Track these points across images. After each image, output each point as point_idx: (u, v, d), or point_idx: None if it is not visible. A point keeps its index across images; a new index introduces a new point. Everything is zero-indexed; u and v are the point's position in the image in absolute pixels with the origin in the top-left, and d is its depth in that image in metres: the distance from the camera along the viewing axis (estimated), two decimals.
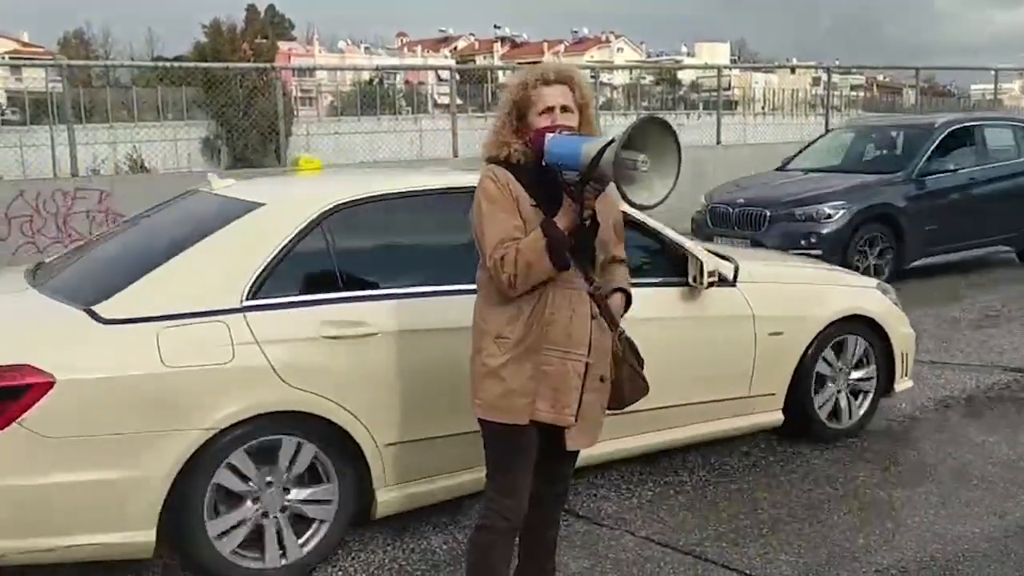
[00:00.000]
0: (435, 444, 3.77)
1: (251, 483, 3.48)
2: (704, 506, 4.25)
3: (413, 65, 65.61)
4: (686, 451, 4.87)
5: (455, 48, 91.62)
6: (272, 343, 3.44)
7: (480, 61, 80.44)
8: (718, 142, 14.20)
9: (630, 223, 3.98)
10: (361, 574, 3.68)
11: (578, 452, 2.99)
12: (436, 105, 40.67)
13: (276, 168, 11.94)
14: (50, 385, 3.13)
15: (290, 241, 3.63)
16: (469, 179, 3.54)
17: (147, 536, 3.33)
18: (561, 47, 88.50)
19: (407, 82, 44.98)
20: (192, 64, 19.43)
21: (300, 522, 3.60)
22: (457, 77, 14.57)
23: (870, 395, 5.08)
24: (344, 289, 3.70)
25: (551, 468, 3.00)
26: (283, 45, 64.07)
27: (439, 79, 43.05)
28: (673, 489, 4.43)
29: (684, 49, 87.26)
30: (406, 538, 3.96)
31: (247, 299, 3.49)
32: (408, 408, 3.69)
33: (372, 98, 37.55)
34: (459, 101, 17.44)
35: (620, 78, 44.36)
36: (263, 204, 3.82)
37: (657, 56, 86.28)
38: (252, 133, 16.75)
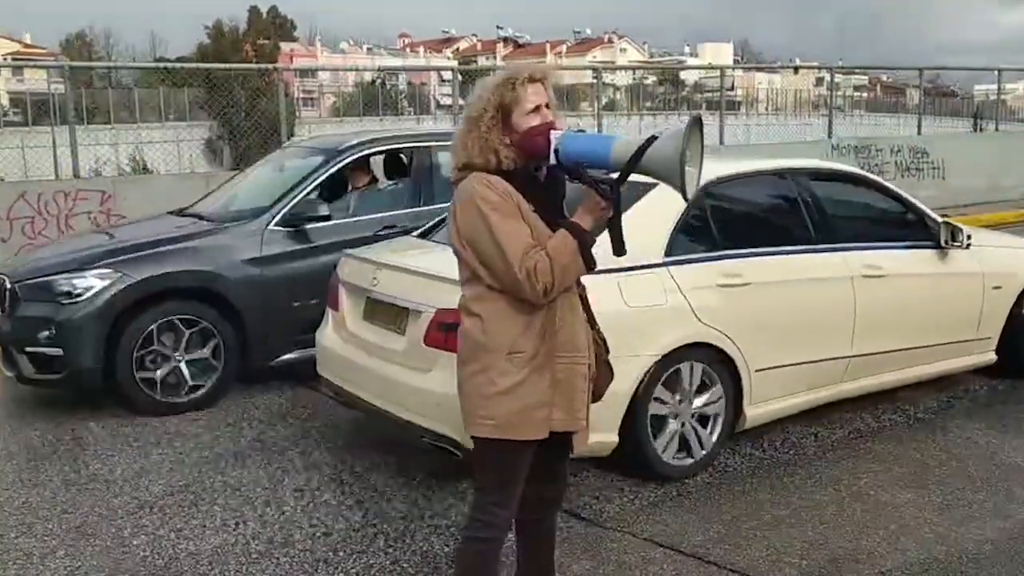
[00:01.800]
0: (788, 370, 4.79)
1: (670, 402, 4.46)
2: (707, 508, 4.24)
3: (415, 66, 65.68)
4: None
5: (457, 49, 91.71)
6: (688, 290, 4.45)
7: (483, 62, 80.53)
8: (721, 143, 14.17)
9: (894, 197, 5.58)
10: (363, 575, 3.68)
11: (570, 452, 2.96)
12: (439, 106, 40.70)
13: None
14: None
15: (686, 210, 4.53)
16: (810, 163, 5.72)
17: (613, 437, 4.29)
18: (564, 47, 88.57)
19: (410, 83, 45.00)
20: (194, 65, 19.51)
21: (702, 422, 4.58)
22: (460, 78, 14.56)
23: None
24: (724, 248, 4.75)
25: (551, 472, 2.97)
26: (285, 46, 64.15)
27: (441, 80, 43.08)
28: (676, 491, 4.42)
29: (687, 49, 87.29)
30: (408, 540, 3.96)
31: (665, 256, 4.49)
32: (770, 342, 4.68)
33: (374, 99, 37.58)
34: (461, 102, 17.43)
35: (623, 78, 44.34)
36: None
37: (660, 56, 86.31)
38: (254, 134, 16.73)
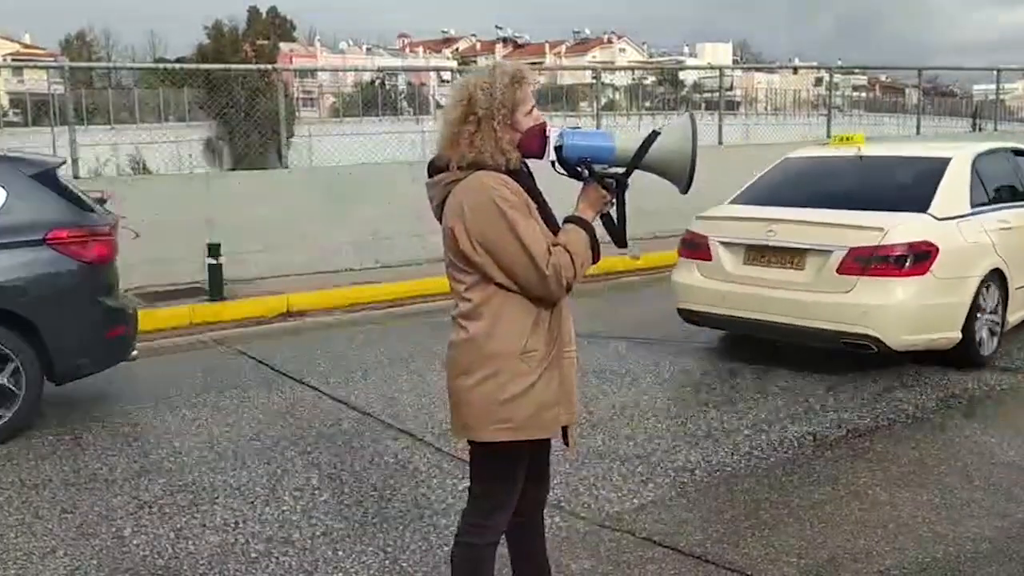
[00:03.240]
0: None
1: (982, 310, 6.46)
2: (705, 507, 4.24)
3: (415, 66, 65.70)
4: (687, 452, 4.88)
5: (457, 49, 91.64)
6: (988, 231, 6.50)
7: (482, 62, 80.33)
8: (719, 143, 14.19)
9: None
10: (362, 574, 3.68)
11: None
12: (438, 106, 40.69)
13: (278, 169, 11.94)
14: (938, 251, 6.04)
15: (970, 175, 6.74)
16: (1009, 144, 7.95)
17: (958, 335, 6.22)
18: (563, 48, 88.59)
19: (409, 83, 45.00)
20: (193, 66, 19.46)
21: (990, 328, 6.57)
22: (459, 77, 14.55)
23: None
24: (992, 202, 6.83)
25: (540, 471, 2.95)
26: (284, 46, 64.09)
27: (441, 80, 43.08)
28: (675, 490, 4.43)
29: (686, 49, 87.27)
30: (406, 539, 3.97)
31: (970, 208, 6.54)
32: (1019, 268, 6.74)
33: (374, 99, 37.61)
34: None
35: (622, 79, 44.35)
36: (951, 157, 6.84)
37: (659, 56, 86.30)
38: (254, 134, 16.72)
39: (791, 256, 6.33)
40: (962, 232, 6.30)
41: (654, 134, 2.66)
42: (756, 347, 6.91)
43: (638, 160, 2.66)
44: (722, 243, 6.75)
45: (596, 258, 2.72)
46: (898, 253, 5.99)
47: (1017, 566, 3.64)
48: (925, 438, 5.08)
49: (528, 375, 2.64)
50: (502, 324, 2.64)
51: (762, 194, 7.12)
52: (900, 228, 6.08)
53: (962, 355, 6.29)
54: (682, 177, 2.68)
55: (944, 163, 6.71)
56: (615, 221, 2.79)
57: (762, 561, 3.71)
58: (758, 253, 6.52)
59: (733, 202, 7.22)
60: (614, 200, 2.74)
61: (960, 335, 6.18)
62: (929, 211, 6.26)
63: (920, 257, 5.99)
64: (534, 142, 2.69)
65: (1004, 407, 5.64)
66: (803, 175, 7.39)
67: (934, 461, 4.75)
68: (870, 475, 4.57)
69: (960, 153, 6.98)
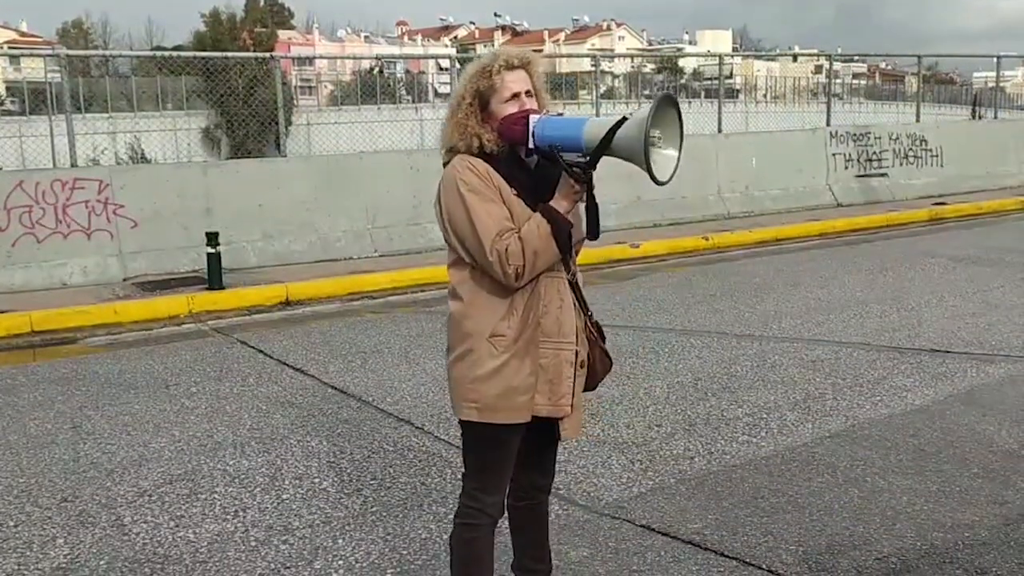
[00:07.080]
0: None
1: None
2: (704, 494, 4.25)
3: (413, 54, 65.53)
4: (686, 439, 4.88)
5: (455, 36, 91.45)
6: None
7: (480, 50, 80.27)
8: (719, 130, 14.16)
9: None
10: (363, 563, 3.69)
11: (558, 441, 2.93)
12: (436, 94, 40.65)
13: (276, 158, 11.92)
14: None
15: None
16: None
17: None
18: (562, 35, 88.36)
19: (407, 71, 44.90)
20: (191, 54, 19.33)
21: None
22: (457, 66, 14.48)
23: None
24: None
25: (541, 459, 2.96)
26: (283, 34, 63.94)
27: (439, 68, 42.98)
28: (673, 478, 4.43)
29: (686, 37, 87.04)
30: (406, 528, 3.97)
31: None
32: None
33: (372, 87, 37.57)
34: None
35: (621, 66, 44.22)
36: None
37: (659, 44, 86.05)
38: (252, 123, 16.71)
39: None
40: None
41: (622, 120, 2.52)
42: (754, 335, 6.89)
43: (603, 149, 2.53)
44: None
45: (563, 249, 2.65)
46: None
47: (1015, 553, 3.65)
48: (924, 426, 5.09)
49: (496, 358, 2.67)
50: (476, 305, 2.70)
51: None
52: None
53: None
54: (642, 166, 2.51)
55: None
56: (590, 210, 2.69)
57: (761, 548, 3.72)
58: None
59: None
60: (583, 190, 2.62)
61: None
62: None
63: None
64: (512, 129, 2.66)
65: (1003, 395, 5.64)
66: None
67: (932, 449, 4.75)
68: (869, 463, 4.57)
69: None
